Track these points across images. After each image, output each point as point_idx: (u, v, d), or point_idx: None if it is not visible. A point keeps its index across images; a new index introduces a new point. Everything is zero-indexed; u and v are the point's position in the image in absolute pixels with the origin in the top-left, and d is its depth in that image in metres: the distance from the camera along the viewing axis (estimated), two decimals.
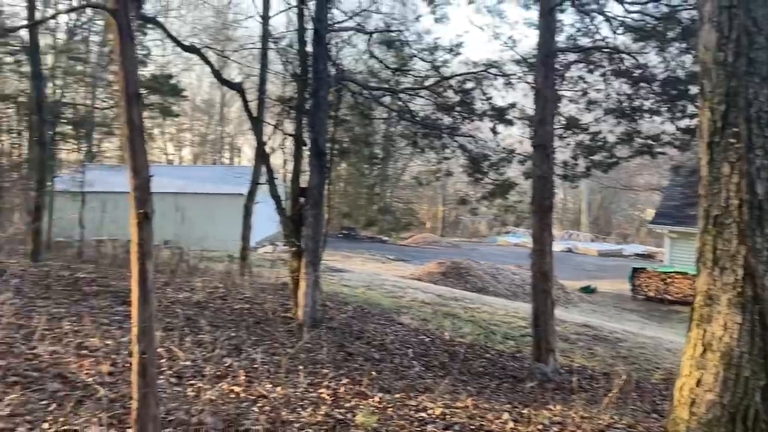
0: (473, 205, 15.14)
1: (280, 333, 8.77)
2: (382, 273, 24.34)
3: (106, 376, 5.62)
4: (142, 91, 21.42)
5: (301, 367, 6.62)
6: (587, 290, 26.68)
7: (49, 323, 7.12)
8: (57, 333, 6.79)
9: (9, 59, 18.98)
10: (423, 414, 5.86)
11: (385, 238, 43.98)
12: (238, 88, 9.89)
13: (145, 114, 28.29)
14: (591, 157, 12.35)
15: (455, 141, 12.28)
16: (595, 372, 9.69)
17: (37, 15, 14.67)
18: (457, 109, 12.29)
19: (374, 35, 11.88)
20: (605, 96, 11.89)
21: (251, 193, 15.86)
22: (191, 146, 57.80)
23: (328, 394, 6.11)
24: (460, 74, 11.96)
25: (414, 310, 13.67)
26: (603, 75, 11.72)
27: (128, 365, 6.01)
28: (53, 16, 17.43)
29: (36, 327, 6.80)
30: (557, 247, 28.45)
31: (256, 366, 6.67)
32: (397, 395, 6.56)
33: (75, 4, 19.33)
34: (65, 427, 4.35)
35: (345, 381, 6.74)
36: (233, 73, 28.88)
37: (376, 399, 6.21)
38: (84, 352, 6.31)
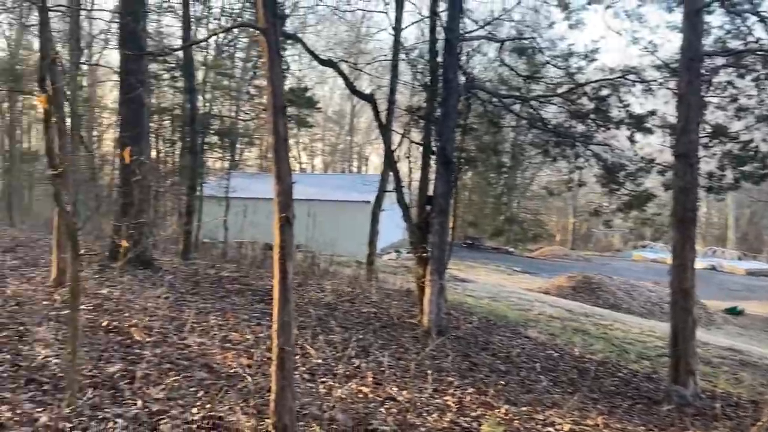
0: (607, 217, 14.43)
1: (406, 338, 8.92)
2: (508, 285, 23.88)
3: (246, 368, 6.02)
4: None
5: (427, 373, 6.69)
6: (733, 311, 24.43)
7: (198, 317, 7.78)
8: (204, 326, 7.39)
9: (166, 76, 21.01)
10: (550, 429, 5.70)
11: (511, 250, 43.08)
12: (369, 99, 10.23)
13: None
14: (740, 168, 11.33)
15: (589, 150, 11.80)
16: (742, 399, 8.86)
17: (193, 34, 16.08)
18: (592, 116, 11.80)
19: (505, 43, 11.76)
20: (758, 102, 10.88)
21: (378, 200, 16.26)
22: (322, 155, 60.41)
23: (453, 402, 6.13)
24: (596, 81, 11.49)
25: (542, 324, 13.29)
26: (756, 80, 10.73)
27: (266, 359, 6.41)
28: (209, 37, 19.02)
29: (186, 320, 7.45)
30: (699, 264, 26.32)
31: (383, 369, 6.82)
32: (524, 408, 6.43)
33: (224, 22, 20.99)
34: (211, 413, 4.72)
35: (470, 390, 6.72)
36: (363, 85, 29.83)
37: (502, 410, 6.13)
38: (227, 345, 6.82)
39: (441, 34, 9.99)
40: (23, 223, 20.28)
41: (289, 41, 16.32)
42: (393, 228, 31.39)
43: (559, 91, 11.93)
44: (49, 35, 5.35)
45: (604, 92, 11.71)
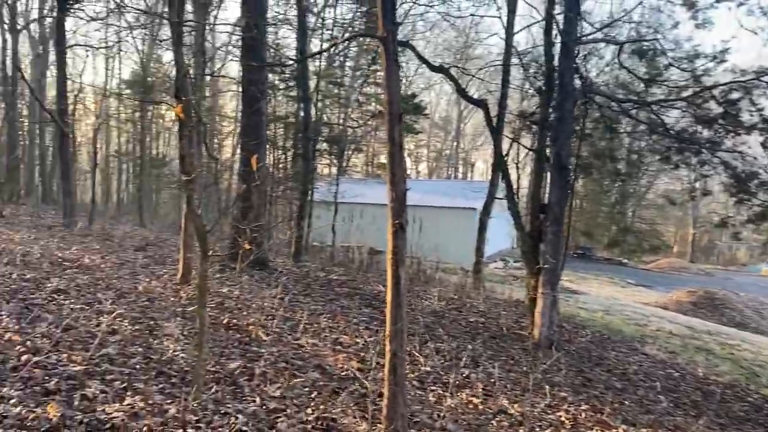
0: (735, 229, 13.32)
1: (516, 350, 8.68)
2: (621, 298, 22.68)
3: (357, 372, 6.11)
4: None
5: (540, 387, 6.47)
6: None
7: (310, 318, 8.01)
8: (316, 327, 7.59)
9: (282, 85, 21.94)
10: None
11: (625, 261, 40.93)
12: (481, 104, 10.09)
13: None
14: None
15: (716, 157, 10.94)
16: None
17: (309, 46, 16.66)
18: (720, 121, 10.95)
19: (625, 45, 11.18)
20: None
21: (486, 208, 16.01)
22: (427, 161, 60.57)
23: (567, 419, 5.88)
24: (726, 83, 10.64)
25: (660, 340, 12.48)
26: None
27: (377, 364, 6.47)
28: (332, 46, 19.57)
29: (299, 320, 7.69)
30: None
31: (493, 380, 6.68)
32: (644, 430, 6.06)
33: (336, 33, 21.59)
34: (325, 415, 4.81)
35: (585, 407, 6.42)
36: (471, 90, 29.56)
37: (620, 431, 5.81)
38: (338, 347, 6.95)
39: (556, 37, 9.68)
40: (152, 224, 21.92)
41: (399, 48, 16.48)
42: (499, 236, 30.84)
43: (684, 94, 11.17)
44: (182, 49, 5.74)
45: (735, 95, 10.82)
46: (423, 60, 9.72)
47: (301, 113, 15.08)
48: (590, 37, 10.38)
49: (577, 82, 9.81)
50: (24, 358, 4.65)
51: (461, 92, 10.42)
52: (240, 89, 12.43)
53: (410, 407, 5.11)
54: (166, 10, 13.66)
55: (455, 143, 55.86)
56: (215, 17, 24.37)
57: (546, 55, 9.78)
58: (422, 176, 57.26)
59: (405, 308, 4.69)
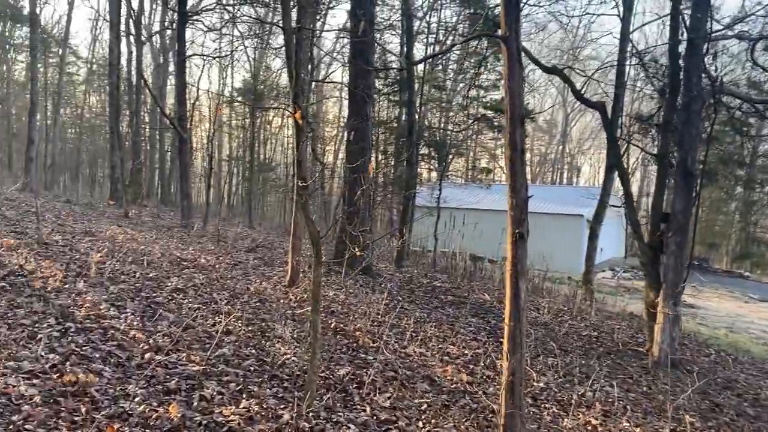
0: None
1: (633, 368, 8.11)
2: (745, 314, 20.83)
3: (467, 385, 5.89)
4: (491, 113, 22.69)
5: (663, 411, 5.96)
6: None
7: (415, 326, 7.87)
8: (422, 336, 7.44)
9: (386, 90, 22.10)
10: None
11: (746, 274, 37.73)
12: (598, 107, 9.55)
13: (490, 135, 29.84)
14: None
15: None
16: None
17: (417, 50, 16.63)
18: None
19: (759, 42, 10.21)
20: None
21: (598, 215, 15.22)
22: (530, 166, 58.94)
23: None
24: None
25: None
26: None
27: (486, 378, 6.22)
28: (451, 47, 19.45)
29: (405, 328, 7.58)
30: None
31: (611, 400, 6.24)
32: None
33: (441, 37, 21.44)
34: (437, 429, 4.65)
35: None
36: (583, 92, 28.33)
37: None
38: (446, 358, 6.77)
39: (682, 35, 8.99)
40: (259, 225, 22.75)
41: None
42: (608, 244, 29.35)
43: None
44: (299, 56, 5.79)
45: None
46: (535, 61, 9.35)
47: (404, 117, 14.98)
48: (720, 33, 9.55)
49: (705, 82, 9.05)
50: (147, 356, 4.83)
51: (578, 95, 9.89)
52: (346, 95, 12.56)
53: (527, 427, 4.82)
54: (278, 19, 14.09)
55: (560, 147, 53.98)
56: (323, 24, 24.93)
57: (670, 53, 9.09)
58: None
59: (525, 323, 4.43)
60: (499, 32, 4.48)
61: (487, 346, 7.64)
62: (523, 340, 4.35)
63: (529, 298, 11.92)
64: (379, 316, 7.99)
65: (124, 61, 23.43)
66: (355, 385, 5.26)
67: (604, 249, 29.14)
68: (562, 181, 54.39)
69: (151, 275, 7.90)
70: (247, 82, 32.06)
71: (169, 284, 7.63)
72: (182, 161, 15.11)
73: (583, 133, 52.69)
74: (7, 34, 31.53)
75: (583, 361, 7.80)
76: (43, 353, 4.43)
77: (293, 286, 8.78)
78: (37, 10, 24.71)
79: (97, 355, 4.64)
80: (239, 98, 32.14)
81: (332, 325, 7.30)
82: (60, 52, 31.08)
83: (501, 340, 8.53)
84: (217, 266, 9.84)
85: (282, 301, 8.01)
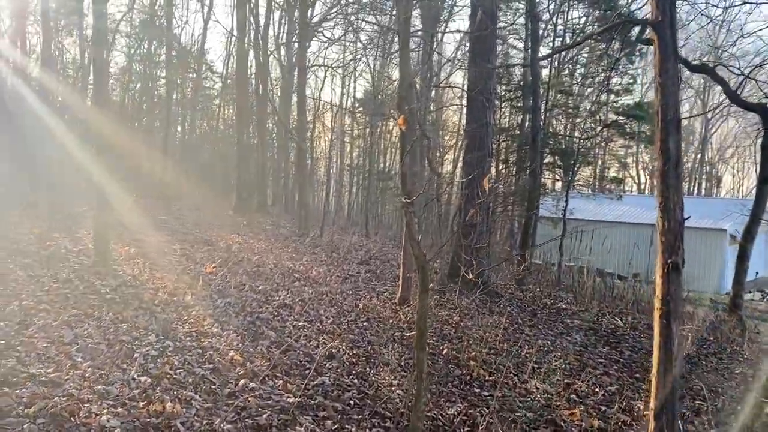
0: None
1: None
2: None
3: None
4: (622, 119, 20.95)
5: None
6: None
7: (538, 355, 7.05)
8: (545, 369, 6.60)
9: (508, 95, 21.13)
10: None
11: None
12: (757, 109, 8.18)
13: (620, 142, 27.76)
14: None
15: None
16: None
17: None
18: None
19: None
20: None
21: (749, 232, 13.30)
22: None
23: None
24: None
25: None
26: None
27: (621, 424, 5.32)
28: (587, 37, 18.25)
29: (526, 358, 6.79)
30: None
31: None
32: None
33: (567, 40, 20.17)
34: None
35: None
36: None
37: None
38: (573, 397, 5.90)
39: None
40: (376, 234, 22.59)
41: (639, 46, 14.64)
42: (754, 261, 26.21)
43: None
44: (408, 57, 5.30)
45: None
46: (681, 59, 8.16)
47: (527, 124, 14.06)
48: None
49: None
50: (241, 383, 4.49)
51: (732, 96, 8.57)
52: (465, 101, 11.93)
53: None
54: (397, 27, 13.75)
55: (698, 155, 49.54)
56: (444, 29, 24.41)
57: None
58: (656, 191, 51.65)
59: (678, 373, 3.58)
60: (649, 18, 3.68)
61: (622, 382, 6.67)
62: (675, 399, 3.50)
63: None
64: (497, 343, 7.26)
65: (253, 75, 24.38)
66: (467, 429, 4.61)
67: (750, 266, 26.09)
68: (700, 192, 49.88)
69: (260, 288, 7.73)
70: (368, 92, 32.29)
71: (277, 298, 7.40)
72: (301, 171, 15.19)
73: (725, 139, 48.05)
74: (152, 52, 34.08)
75: (739, 407, 6.57)
76: (135, 375, 4.22)
77: (404, 305, 8.26)
78: (177, 31, 26.46)
79: (190, 380, 4.37)
80: (359, 108, 32.43)
81: (443, 351, 6.69)
82: (196, 67, 33.07)
83: (636, 375, 7.48)
84: (327, 279, 9.58)
85: (391, 321, 7.52)
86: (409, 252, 8.27)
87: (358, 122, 36.27)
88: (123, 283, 6.59)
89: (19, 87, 15.49)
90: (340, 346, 5.95)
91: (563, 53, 19.88)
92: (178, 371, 4.47)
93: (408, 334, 6.97)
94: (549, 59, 19.19)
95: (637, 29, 10.36)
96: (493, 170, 19.38)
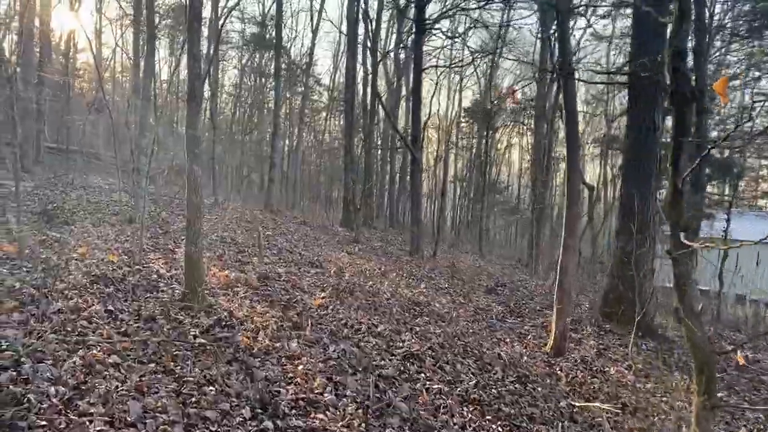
0: None
1: None
2: None
3: None
4: None
5: None
6: None
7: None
8: None
9: None
10: None
11: None
12: None
13: None
14: None
15: None
16: None
17: None
18: None
19: None
20: None
21: None
22: None
23: None
24: None
25: None
26: None
27: None
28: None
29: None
30: None
31: None
32: None
33: None
34: None
35: None
36: None
37: None
38: None
39: None
40: (489, 253, 20.70)
41: None
42: None
43: None
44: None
45: None
46: None
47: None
48: None
49: None
50: None
51: None
52: (626, 94, 9.93)
53: None
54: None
55: None
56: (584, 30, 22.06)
57: None
58: None
59: None
60: None
61: None
62: None
63: None
64: (691, 417, 5.31)
65: (359, 84, 23.39)
66: None
67: None
68: None
69: (379, 329, 6.24)
70: (478, 102, 30.61)
71: (401, 345, 5.87)
72: (413, 184, 13.74)
73: None
74: (264, 64, 34.23)
75: None
76: None
77: (559, 356, 6.47)
78: (287, 44, 26.05)
79: None
80: (466, 118, 30.81)
81: (626, 426, 4.89)
82: (304, 80, 32.77)
83: None
84: (454, 314, 7.97)
85: (548, 381, 5.77)
86: (567, 292, 6.48)
87: (464, 133, 34.62)
88: (217, 322, 5.32)
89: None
90: (492, 427, 4.32)
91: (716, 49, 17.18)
92: None
93: (578, 404, 5.20)
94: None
95: None
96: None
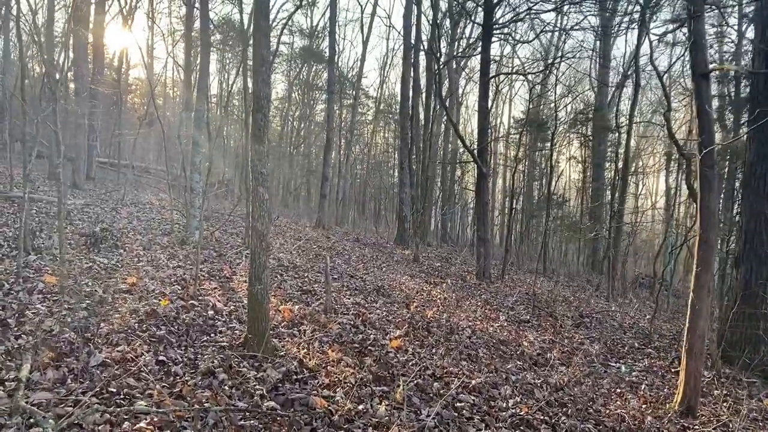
0: None
1: None
2: None
3: None
4: None
5: None
6: None
7: None
8: None
9: None
10: None
11: None
12: None
13: None
14: None
15: None
16: None
17: None
18: None
19: None
20: None
21: None
22: None
23: None
24: None
25: None
26: None
27: None
28: None
29: None
30: None
31: None
32: None
33: None
34: None
35: None
36: None
37: None
38: None
39: None
40: (553, 273, 19.38)
41: None
42: None
43: None
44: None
45: None
46: None
47: None
48: None
49: None
50: None
51: None
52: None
53: None
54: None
55: None
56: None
57: None
58: None
59: None
60: None
61: None
62: None
63: None
64: None
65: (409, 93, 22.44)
66: None
67: None
68: None
69: (473, 382, 5.22)
70: (532, 112, 29.39)
71: (503, 406, 4.84)
72: (481, 200, 12.67)
73: None
74: (312, 77, 33.85)
75: None
76: None
77: (689, 416, 5.32)
78: (336, 58, 25.36)
79: None
80: (518, 129, 29.59)
81: None
82: (354, 93, 32.19)
83: None
84: (548, 356, 6.89)
85: None
86: (701, 338, 5.33)
87: (516, 143, 33.39)
88: (286, 376, 4.43)
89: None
90: None
91: None
92: None
93: None
94: None
95: None
96: None
